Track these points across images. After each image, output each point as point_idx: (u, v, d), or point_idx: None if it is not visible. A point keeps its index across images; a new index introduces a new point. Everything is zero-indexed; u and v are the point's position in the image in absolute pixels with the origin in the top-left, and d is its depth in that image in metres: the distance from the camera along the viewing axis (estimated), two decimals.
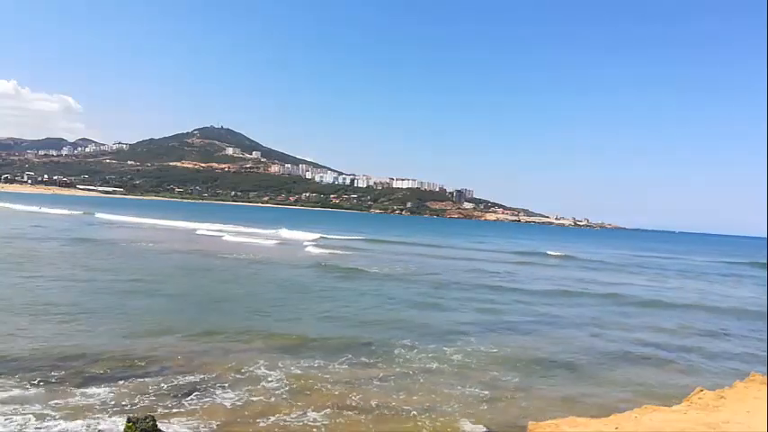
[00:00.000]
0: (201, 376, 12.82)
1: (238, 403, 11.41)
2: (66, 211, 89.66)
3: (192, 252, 41.91)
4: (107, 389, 11.60)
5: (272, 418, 10.77)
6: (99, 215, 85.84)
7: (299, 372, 13.67)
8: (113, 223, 72.68)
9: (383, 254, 51.91)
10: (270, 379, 12.97)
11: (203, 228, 68.75)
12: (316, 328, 18.66)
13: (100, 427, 9.64)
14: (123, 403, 10.90)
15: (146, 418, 9.13)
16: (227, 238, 57.73)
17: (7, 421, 9.72)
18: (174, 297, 22.83)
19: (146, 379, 12.36)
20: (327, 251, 49.19)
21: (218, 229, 67.35)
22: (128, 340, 15.32)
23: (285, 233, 68.24)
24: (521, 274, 41.92)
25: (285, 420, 10.75)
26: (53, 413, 10.18)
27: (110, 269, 29.26)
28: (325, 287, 28.52)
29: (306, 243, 56.20)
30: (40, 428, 9.59)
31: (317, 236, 64.62)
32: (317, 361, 14.71)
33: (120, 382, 12.03)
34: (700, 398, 10.14)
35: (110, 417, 10.22)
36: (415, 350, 16.58)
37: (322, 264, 38.40)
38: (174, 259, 36.57)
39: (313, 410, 11.26)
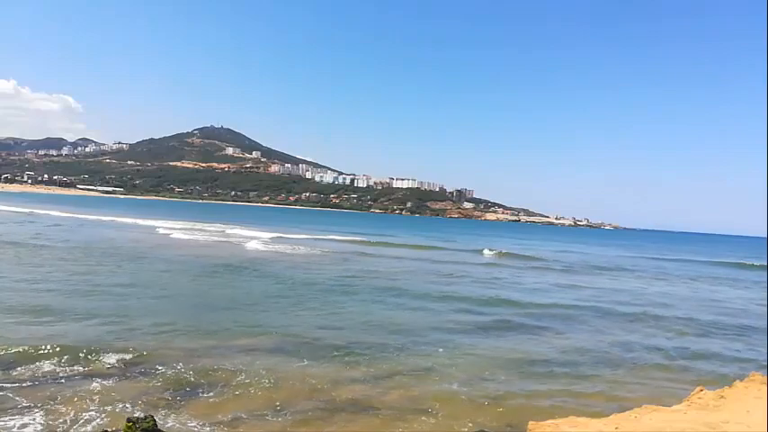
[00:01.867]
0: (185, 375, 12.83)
1: (233, 401, 11.41)
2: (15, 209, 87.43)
3: (112, 249, 38.61)
4: (106, 389, 11.58)
5: (268, 417, 10.80)
6: (53, 212, 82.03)
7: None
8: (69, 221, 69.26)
9: (334, 253, 48.95)
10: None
11: (162, 225, 67.99)
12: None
13: (100, 427, 9.64)
14: (123, 403, 10.89)
15: (146, 417, 9.11)
16: (175, 235, 55.98)
17: (6, 421, 9.73)
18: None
19: (141, 378, 12.38)
20: (267, 248, 47.72)
21: (171, 226, 66.93)
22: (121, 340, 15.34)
23: (241, 231, 67.09)
24: (486, 275, 41.27)
25: (278, 419, 10.78)
26: (52, 413, 10.17)
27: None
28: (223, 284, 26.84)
29: (253, 241, 53.95)
30: (40, 429, 9.59)
31: (272, 234, 63.07)
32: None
33: (117, 382, 12.03)
34: (700, 398, 10.13)
35: (110, 416, 10.22)
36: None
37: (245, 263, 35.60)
38: (82, 255, 34.11)
39: (295, 409, 11.26)
